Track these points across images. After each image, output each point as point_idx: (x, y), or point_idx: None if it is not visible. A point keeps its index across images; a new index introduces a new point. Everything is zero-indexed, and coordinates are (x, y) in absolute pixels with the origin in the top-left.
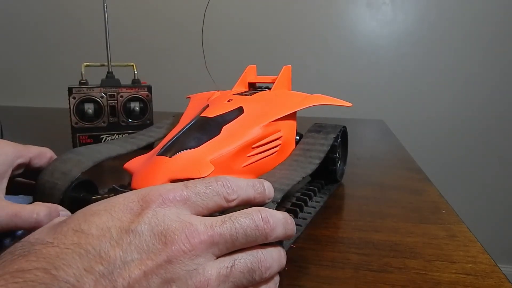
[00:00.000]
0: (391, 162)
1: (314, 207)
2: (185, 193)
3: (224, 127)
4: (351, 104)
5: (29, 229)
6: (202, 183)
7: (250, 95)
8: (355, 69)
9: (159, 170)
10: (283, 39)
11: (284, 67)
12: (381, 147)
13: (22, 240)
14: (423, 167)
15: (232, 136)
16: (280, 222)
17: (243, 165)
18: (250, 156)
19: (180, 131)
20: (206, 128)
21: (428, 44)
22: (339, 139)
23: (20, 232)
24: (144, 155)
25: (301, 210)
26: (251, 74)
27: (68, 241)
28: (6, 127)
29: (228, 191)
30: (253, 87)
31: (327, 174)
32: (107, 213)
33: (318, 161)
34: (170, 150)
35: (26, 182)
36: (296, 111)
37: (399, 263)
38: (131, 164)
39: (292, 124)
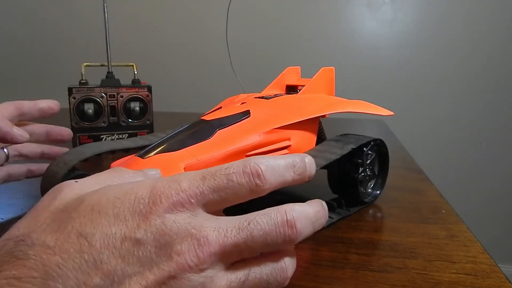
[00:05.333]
0: (391, 162)
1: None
2: (200, 189)
3: (218, 131)
4: (392, 113)
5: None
6: (223, 174)
7: (269, 99)
8: (355, 69)
9: None
10: (282, 39)
11: (322, 68)
12: None
13: (23, 234)
14: (423, 167)
15: (224, 142)
16: (310, 221)
17: None
18: None
19: (170, 133)
20: (196, 131)
21: (428, 44)
22: (370, 156)
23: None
24: (131, 155)
25: None
26: (292, 76)
27: (70, 247)
28: None
29: (258, 182)
30: (293, 90)
31: (349, 194)
32: (114, 213)
33: None
34: (149, 151)
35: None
36: (318, 119)
37: (399, 263)
38: (114, 163)
39: (308, 133)
